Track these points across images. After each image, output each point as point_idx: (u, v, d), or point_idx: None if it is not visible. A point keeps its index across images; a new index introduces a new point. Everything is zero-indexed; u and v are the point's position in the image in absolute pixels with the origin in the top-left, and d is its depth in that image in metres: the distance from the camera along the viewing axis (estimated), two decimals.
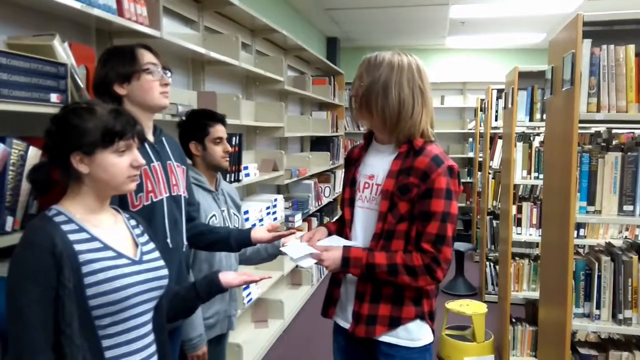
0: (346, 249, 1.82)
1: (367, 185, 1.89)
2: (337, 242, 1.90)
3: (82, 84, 1.92)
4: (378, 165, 1.88)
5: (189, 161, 2.44)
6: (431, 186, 1.74)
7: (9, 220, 1.61)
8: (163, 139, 2.02)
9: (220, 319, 2.53)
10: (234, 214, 2.63)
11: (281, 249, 1.97)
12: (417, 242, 1.78)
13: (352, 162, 1.99)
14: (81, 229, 1.38)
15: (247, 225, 3.45)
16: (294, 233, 2.13)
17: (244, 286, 1.76)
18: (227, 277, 1.67)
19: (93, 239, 1.38)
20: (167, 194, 1.95)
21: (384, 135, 1.89)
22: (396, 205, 1.78)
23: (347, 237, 1.92)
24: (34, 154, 1.66)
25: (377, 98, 1.79)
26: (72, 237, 1.34)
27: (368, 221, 1.87)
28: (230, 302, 2.57)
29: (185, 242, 2.06)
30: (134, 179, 1.46)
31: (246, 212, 3.59)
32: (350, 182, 1.94)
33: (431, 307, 1.90)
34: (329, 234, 2.01)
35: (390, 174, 1.82)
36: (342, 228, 1.99)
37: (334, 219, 2.12)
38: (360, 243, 1.88)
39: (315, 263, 1.83)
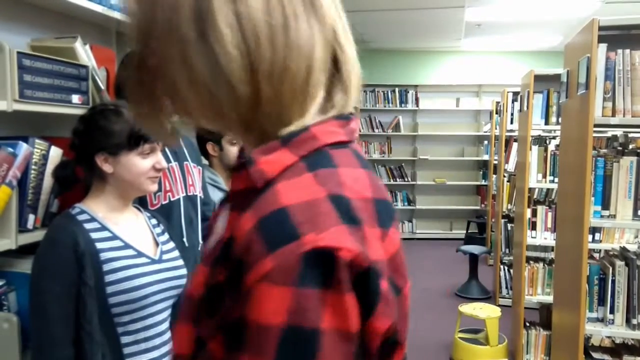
0: None
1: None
2: None
3: (102, 86, 1.96)
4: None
5: (205, 161, 2.48)
6: (242, 311, 0.57)
7: (31, 218, 1.65)
8: (180, 139, 2.06)
9: None
10: None
11: None
12: None
13: None
14: (103, 228, 1.41)
15: None
16: None
17: None
18: None
19: (114, 237, 1.41)
20: (184, 194, 1.98)
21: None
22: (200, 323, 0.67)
23: None
24: (55, 154, 1.69)
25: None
26: (94, 235, 1.38)
27: None
28: None
29: (200, 241, 2.09)
30: (154, 180, 1.50)
31: None
32: None
33: None
34: None
35: (206, 248, 0.77)
36: None
37: None
38: None
39: None
